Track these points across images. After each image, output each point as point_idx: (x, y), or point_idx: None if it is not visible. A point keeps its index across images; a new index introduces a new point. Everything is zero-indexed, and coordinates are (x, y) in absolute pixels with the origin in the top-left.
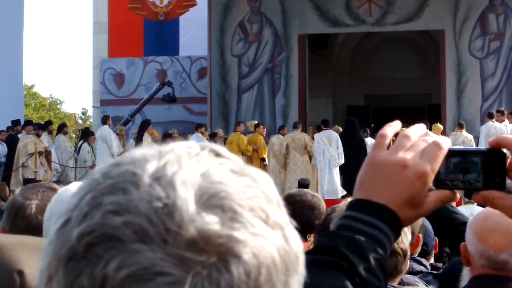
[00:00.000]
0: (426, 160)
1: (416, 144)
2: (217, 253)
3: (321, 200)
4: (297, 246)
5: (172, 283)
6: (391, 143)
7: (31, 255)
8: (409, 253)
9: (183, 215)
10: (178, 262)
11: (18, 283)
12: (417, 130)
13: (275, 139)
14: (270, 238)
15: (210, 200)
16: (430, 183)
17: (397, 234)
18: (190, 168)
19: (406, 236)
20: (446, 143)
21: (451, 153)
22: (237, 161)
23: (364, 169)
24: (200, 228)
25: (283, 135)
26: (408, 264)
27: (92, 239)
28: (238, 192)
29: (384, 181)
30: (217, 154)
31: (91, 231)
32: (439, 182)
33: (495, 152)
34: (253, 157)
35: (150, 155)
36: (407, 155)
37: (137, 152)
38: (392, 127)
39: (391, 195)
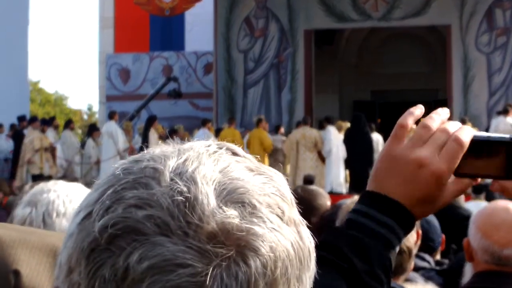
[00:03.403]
0: (444, 159)
1: (435, 137)
2: (236, 246)
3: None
4: (310, 243)
5: (193, 274)
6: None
7: (31, 254)
8: (414, 251)
9: (204, 209)
10: (199, 255)
11: (13, 284)
12: (438, 118)
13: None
14: (286, 233)
15: (230, 195)
16: (446, 183)
17: (407, 231)
18: (210, 164)
19: (411, 234)
20: (467, 136)
21: (474, 141)
22: (252, 160)
23: (379, 161)
24: (220, 222)
25: None
26: (413, 262)
27: (114, 232)
28: (256, 189)
29: (399, 178)
30: (234, 153)
31: (114, 223)
32: (459, 170)
33: None
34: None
35: (169, 152)
36: (425, 152)
37: (156, 150)
38: (414, 114)
39: (405, 193)
